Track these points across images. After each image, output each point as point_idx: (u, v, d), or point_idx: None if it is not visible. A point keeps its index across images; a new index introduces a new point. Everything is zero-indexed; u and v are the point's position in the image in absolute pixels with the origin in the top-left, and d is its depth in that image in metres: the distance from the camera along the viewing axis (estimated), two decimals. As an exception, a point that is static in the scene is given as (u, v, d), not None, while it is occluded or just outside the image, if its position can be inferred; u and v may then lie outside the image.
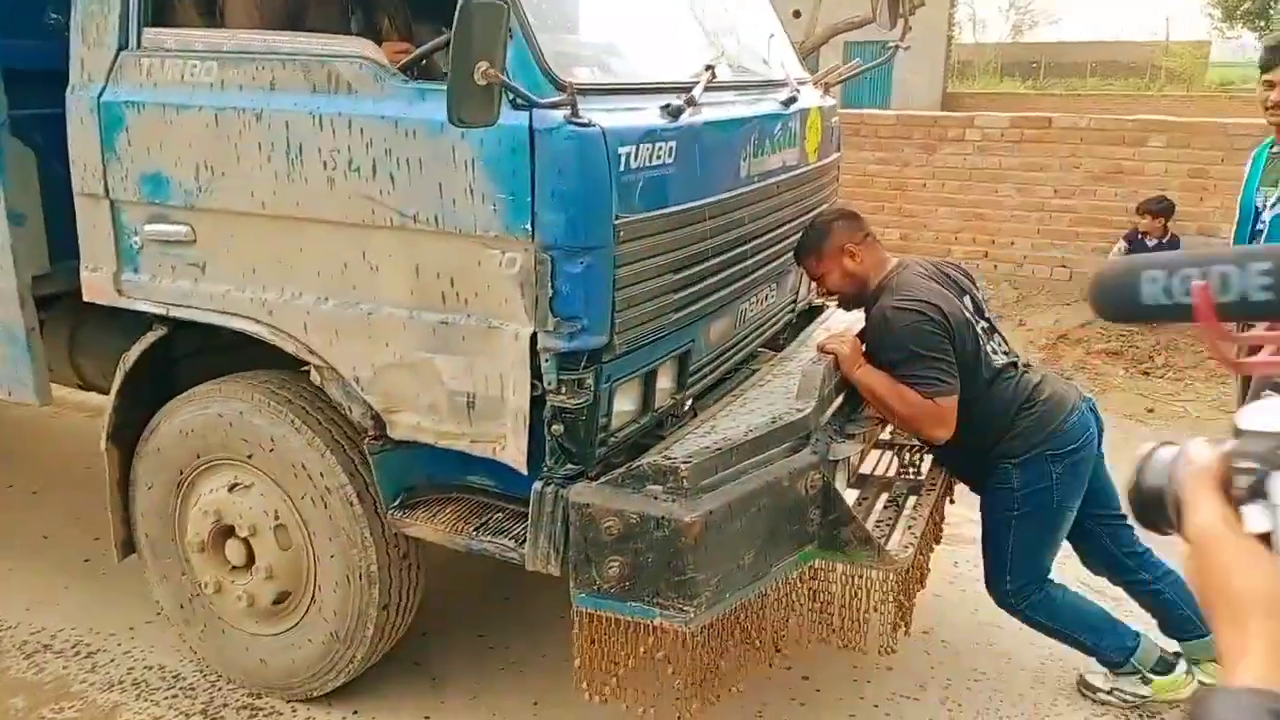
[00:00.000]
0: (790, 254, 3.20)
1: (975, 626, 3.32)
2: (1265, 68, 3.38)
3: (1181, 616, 2.95)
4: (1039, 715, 2.94)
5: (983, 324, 2.86)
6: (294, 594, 2.83)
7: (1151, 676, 2.91)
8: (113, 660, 3.17)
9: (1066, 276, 7.34)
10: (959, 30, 33.04)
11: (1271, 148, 3.52)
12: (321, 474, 2.65)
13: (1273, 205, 3.42)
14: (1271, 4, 28.67)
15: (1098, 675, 3.00)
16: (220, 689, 3.02)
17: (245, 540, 2.82)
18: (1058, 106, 19.66)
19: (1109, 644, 2.91)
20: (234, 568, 2.87)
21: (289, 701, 2.95)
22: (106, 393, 3.23)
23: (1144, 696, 2.93)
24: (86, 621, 3.36)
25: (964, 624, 3.35)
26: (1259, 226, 3.49)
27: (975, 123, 7.67)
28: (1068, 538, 2.94)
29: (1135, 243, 6.71)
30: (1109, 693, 2.97)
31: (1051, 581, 2.88)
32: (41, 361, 3.02)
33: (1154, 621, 3.03)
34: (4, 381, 3.06)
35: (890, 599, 2.71)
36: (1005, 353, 2.88)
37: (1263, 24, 29.90)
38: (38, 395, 3.03)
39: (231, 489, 2.82)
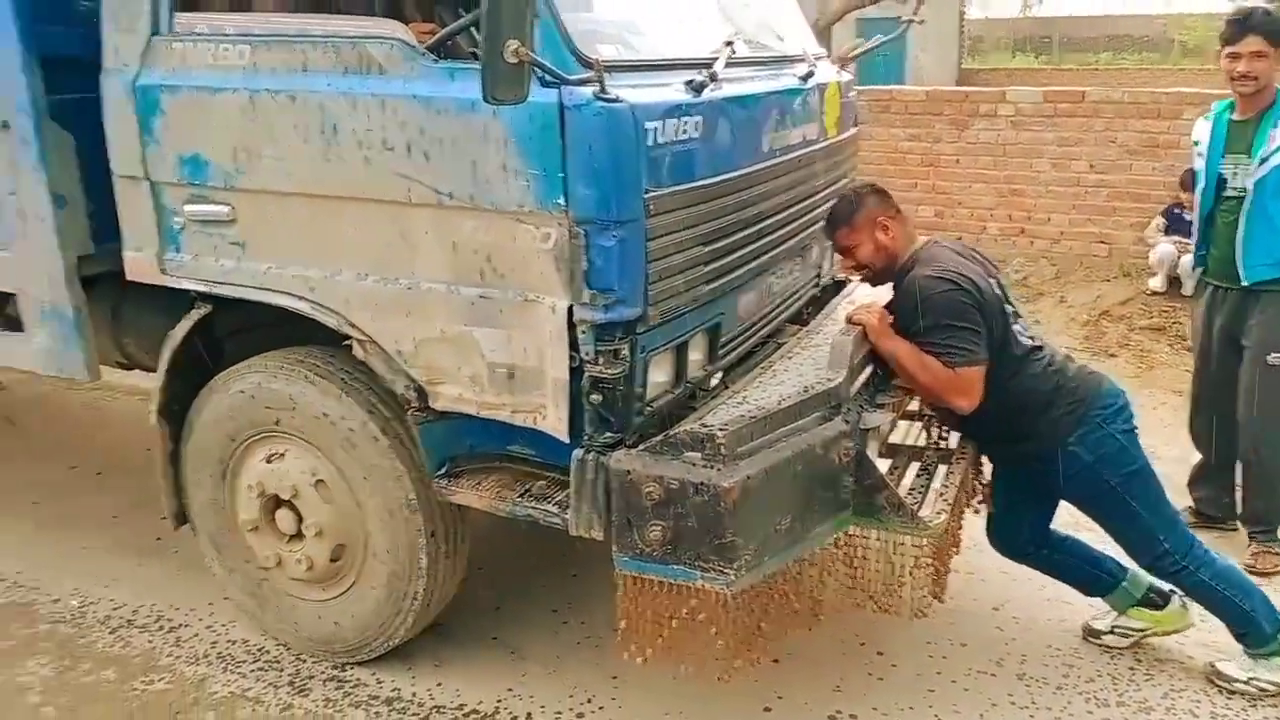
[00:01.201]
0: (813, 228, 3.24)
1: (1044, 603, 3.34)
2: (1228, 40, 3.48)
3: (1092, 575, 3.08)
4: (1117, 690, 2.95)
5: (1009, 307, 2.89)
6: (347, 546, 2.90)
7: None
8: (196, 635, 3.25)
9: (1105, 252, 7.28)
10: (969, 5, 32.44)
11: (1231, 114, 3.60)
12: (343, 416, 2.73)
13: (1253, 171, 3.49)
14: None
15: (1231, 664, 2.96)
16: (305, 662, 3.09)
17: (292, 505, 2.90)
18: (1072, 81, 19.40)
19: (1263, 610, 2.90)
20: (289, 538, 2.96)
21: (374, 674, 3.02)
22: (149, 370, 3.32)
23: None
24: (165, 597, 3.45)
25: (1032, 599, 3.36)
26: (1227, 194, 3.58)
27: (1007, 97, 7.59)
28: (1000, 509, 3.06)
29: (1173, 218, 6.64)
30: (1245, 682, 2.91)
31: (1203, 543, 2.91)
32: (90, 339, 3.10)
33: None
34: (55, 359, 3.13)
35: (925, 565, 2.76)
36: (1030, 336, 2.91)
37: (1273, -5, 29.22)
38: (88, 372, 3.11)
39: (269, 460, 2.91)
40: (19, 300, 3.16)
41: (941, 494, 2.76)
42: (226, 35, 2.64)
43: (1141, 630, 3.10)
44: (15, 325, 3.23)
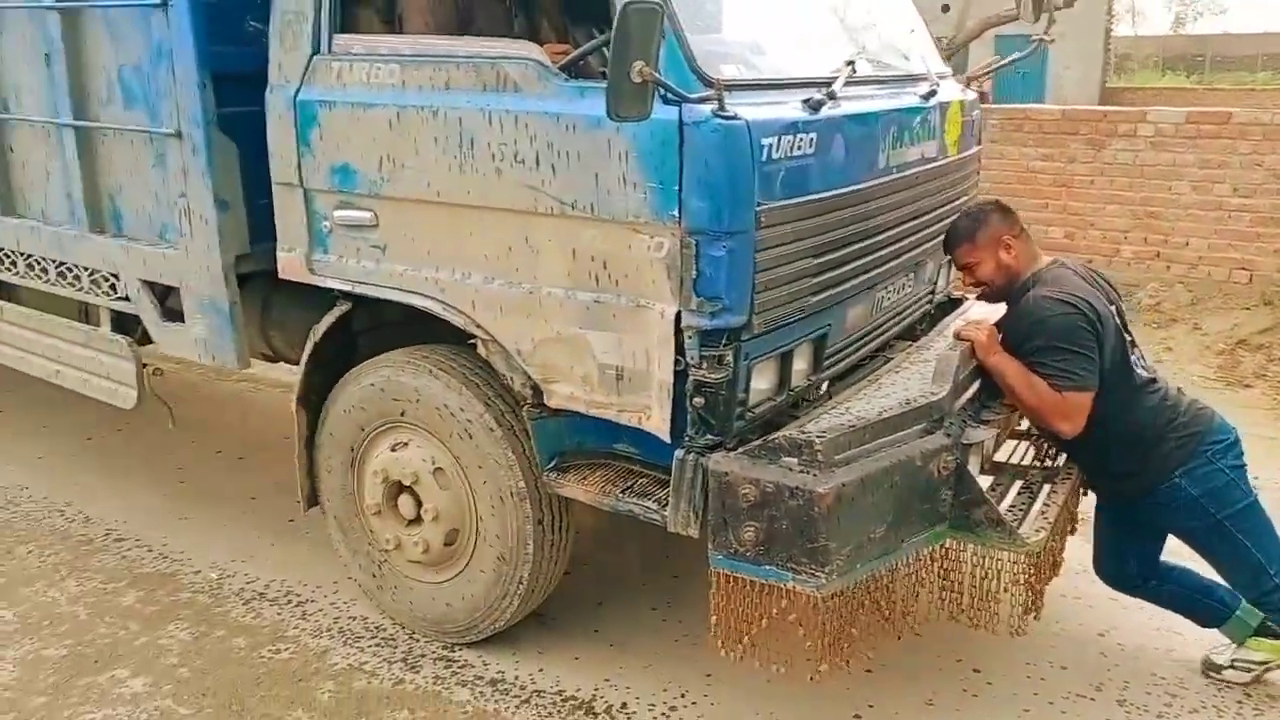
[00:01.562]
0: (927, 245, 3.27)
1: (1153, 632, 3.30)
2: None
3: (1207, 605, 3.01)
4: None
5: (1128, 336, 2.87)
6: (461, 531, 3.08)
7: None
8: (320, 610, 3.50)
9: (1246, 279, 7.00)
10: (1117, 22, 31.37)
11: None
12: (461, 409, 2.92)
13: None
14: None
15: None
16: (418, 641, 3.30)
17: (412, 492, 3.11)
18: (1224, 101, 18.51)
19: None
20: (408, 522, 3.17)
21: (480, 656, 3.19)
22: (292, 362, 3.60)
23: None
24: (294, 574, 3.73)
25: (1141, 628, 3.33)
26: None
27: (1148, 118, 7.39)
28: (1106, 541, 3.02)
29: None
30: None
31: None
32: (241, 331, 3.39)
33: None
34: (210, 348, 3.44)
35: (1021, 582, 2.77)
36: (1145, 368, 2.89)
37: None
38: (238, 360, 3.41)
39: (394, 449, 3.12)
40: (181, 293, 3.48)
41: (1043, 513, 2.76)
42: (380, 55, 2.88)
43: (1263, 663, 2.99)
44: (176, 316, 3.55)
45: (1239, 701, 2.98)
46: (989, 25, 12.58)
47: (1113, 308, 2.88)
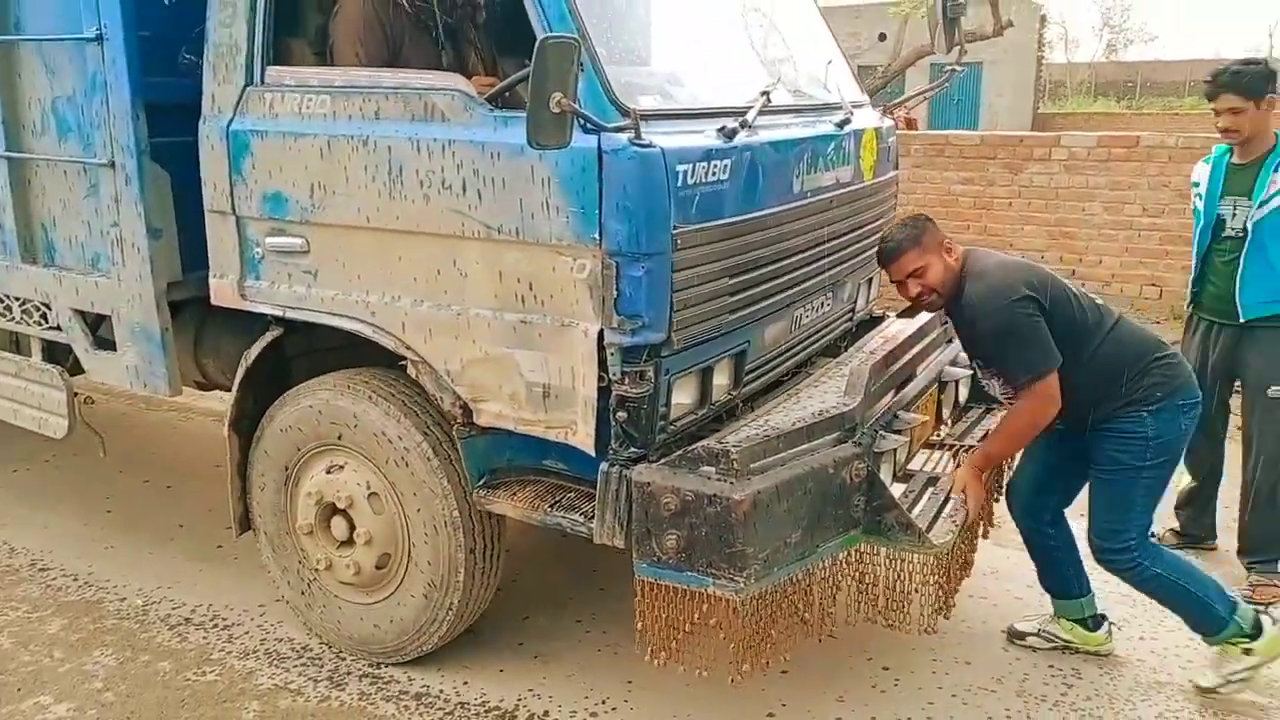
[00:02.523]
0: (844, 265, 3.42)
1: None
2: (1209, 98, 3.71)
3: (1068, 576, 3.20)
4: (1113, 708, 3.05)
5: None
6: (393, 555, 3.14)
7: (1254, 643, 2.98)
8: (247, 632, 3.53)
9: (1156, 295, 7.37)
10: (1050, 50, 32.54)
11: (1231, 157, 3.77)
12: (400, 436, 2.98)
13: (1253, 213, 3.66)
14: (1379, 15, 27.60)
15: (1206, 675, 3.06)
16: (344, 659, 3.34)
17: (346, 514, 3.16)
18: (1153, 126, 19.30)
19: (1217, 596, 2.97)
20: (340, 543, 3.22)
21: (405, 672, 3.25)
22: (224, 389, 3.64)
23: (1253, 667, 2.98)
24: (221, 599, 3.75)
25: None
26: (1226, 234, 3.75)
27: (1061, 142, 7.76)
28: (1034, 465, 3.19)
29: None
30: (1226, 684, 3.01)
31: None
32: (174, 358, 3.43)
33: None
34: (142, 375, 3.47)
35: (932, 583, 2.91)
36: (1101, 306, 3.01)
37: (1370, 36, 28.78)
38: (171, 387, 3.44)
39: (329, 471, 3.17)
40: (113, 322, 3.51)
41: (951, 517, 2.90)
42: (311, 86, 2.96)
43: (1066, 642, 3.24)
44: (108, 345, 3.58)
45: (1130, 689, 3.16)
46: (922, 54, 13.07)
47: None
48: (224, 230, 3.17)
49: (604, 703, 3.11)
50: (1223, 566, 3.75)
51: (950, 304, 3.03)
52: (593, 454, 2.69)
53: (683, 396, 2.75)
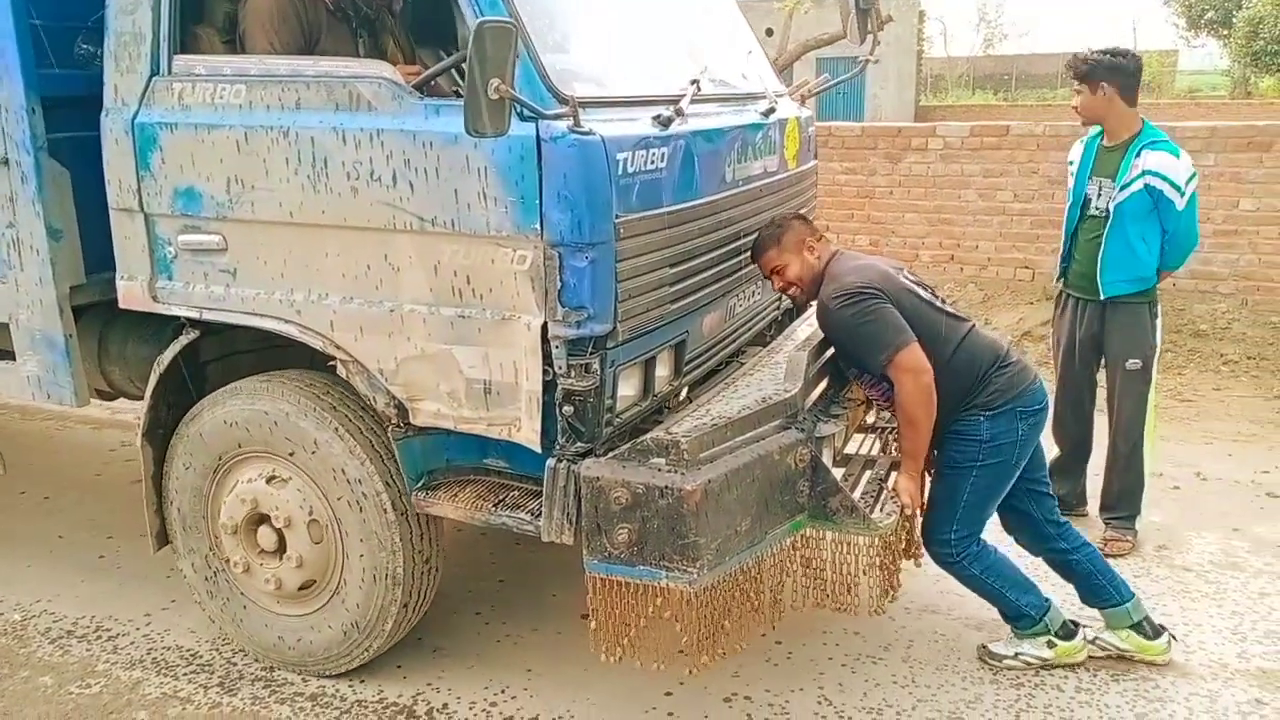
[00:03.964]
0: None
1: (938, 595, 3.58)
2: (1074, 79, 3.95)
3: (1098, 585, 3.21)
4: (993, 669, 3.18)
5: (926, 291, 3.06)
6: (319, 583, 3.03)
7: (1056, 641, 3.13)
8: (133, 642, 3.40)
9: (1029, 277, 7.67)
10: (929, 45, 33.65)
11: (1103, 139, 3.98)
12: (360, 480, 2.86)
13: (1115, 195, 3.86)
14: (1233, 12, 29.37)
15: (999, 643, 3.20)
16: (235, 664, 3.24)
17: (278, 530, 3.02)
18: (1027, 117, 20.10)
19: (1030, 601, 3.11)
20: (264, 552, 3.08)
21: (300, 674, 3.17)
22: (133, 398, 3.45)
23: (1046, 659, 3.13)
24: (104, 609, 3.60)
25: (926, 592, 3.61)
26: (1091, 213, 3.96)
27: (936, 132, 8.01)
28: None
29: None
30: (1014, 656, 3.16)
31: (984, 540, 3.09)
32: (79, 366, 3.23)
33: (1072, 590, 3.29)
34: (45, 386, 3.26)
35: (877, 564, 2.94)
36: (955, 311, 3.07)
37: (1226, 32, 30.61)
38: (76, 398, 3.24)
39: (269, 480, 3.02)
40: (11, 330, 3.29)
41: (892, 498, 2.93)
42: (224, 75, 2.82)
43: (1121, 650, 3.20)
44: (6, 355, 3.35)
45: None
46: (809, 48, 13.35)
47: (899, 270, 3.07)
48: (131, 229, 2.99)
49: (504, 691, 3.10)
50: (1092, 531, 3.95)
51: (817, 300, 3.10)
52: (539, 450, 2.62)
53: (627, 388, 2.71)
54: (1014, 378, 2.97)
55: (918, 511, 3.05)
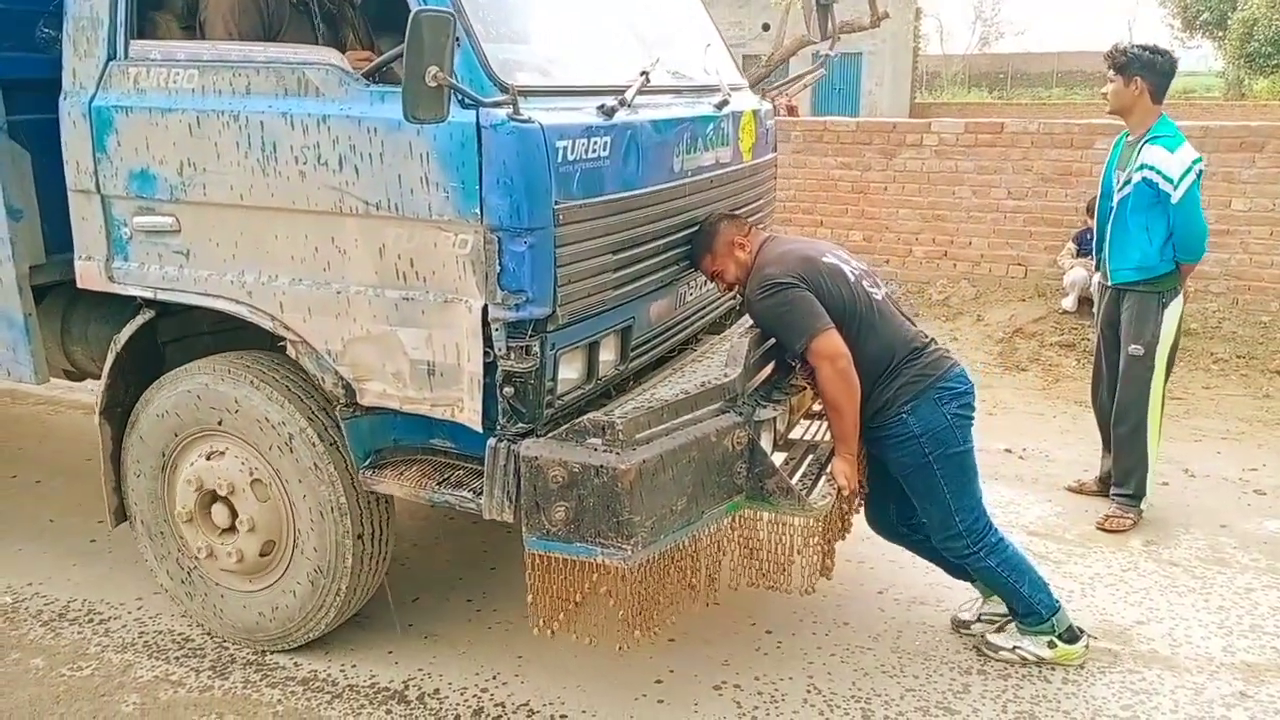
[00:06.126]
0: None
1: (925, 587, 3.62)
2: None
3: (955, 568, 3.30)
4: (980, 660, 3.22)
5: (857, 268, 3.11)
6: (277, 543, 3.08)
7: (1058, 642, 3.17)
8: (124, 626, 3.43)
9: (1022, 274, 7.73)
10: (926, 42, 33.75)
11: (1128, 137, 4.11)
12: (283, 422, 2.93)
13: (1121, 188, 4.01)
14: (1228, 13, 29.46)
15: (999, 635, 3.25)
16: (227, 648, 3.27)
17: (227, 501, 3.08)
18: (1022, 114, 20.22)
19: (1042, 599, 3.15)
20: (221, 531, 3.14)
21: (291, 658, 3.20)
22: (95, 377, 3.50)
23: (1043, 658, 3.17)
24: (96, 593, 3.62)
25: (915, 584, 3.65)
26: (1111, 205, 4.10)
27: (931, 128, 8.06)
28: (872, 488, 3.26)
29: (1084, 242, 7.05)
30: (1011, 649, 3.20)
31: (1001, 534, 3.14)
32: (39, 344, 3.29)
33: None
34: (5, 364, 3.32)
35: (812, 545, 3.01)
36: (881, 293, 3.11)
37: (1220, 34, 30.70)
38: (36, 375, 3.29)
39: (209, 457, 3.09)
40: (-30, 309, 3.34)
41: (830, 481, 3.00)
42: (178, 60, 2.88)
43: (1005, 616, 3.29)
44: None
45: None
46: (804, 43, 13.36)
47: (830, 256, 3.10)
48: (89, 210, 3.05)
49: (495, 677, 3.13)
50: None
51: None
52: (480, 430, 2.69)
53: (569, 372, 2.77)
54: (926, 366, 3.02)
55: (854, 493, 3.11)
